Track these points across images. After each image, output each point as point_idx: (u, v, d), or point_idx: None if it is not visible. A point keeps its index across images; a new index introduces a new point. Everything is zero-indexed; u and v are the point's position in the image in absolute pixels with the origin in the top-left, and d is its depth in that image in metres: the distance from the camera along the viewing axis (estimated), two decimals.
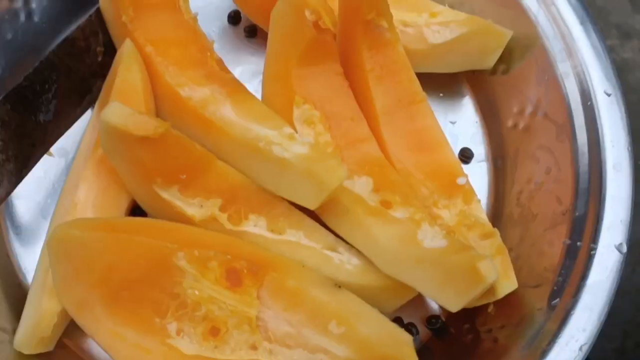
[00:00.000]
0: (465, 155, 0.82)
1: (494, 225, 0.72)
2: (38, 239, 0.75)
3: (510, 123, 0.80)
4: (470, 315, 0.71)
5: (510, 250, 0.71)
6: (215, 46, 0.80)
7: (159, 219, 0.69)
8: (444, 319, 0.73)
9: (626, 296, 0.92)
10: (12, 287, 0.72)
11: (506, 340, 0.66)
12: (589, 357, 0.86)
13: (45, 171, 0.77)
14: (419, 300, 0.73)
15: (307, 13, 0.71)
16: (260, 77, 0.80)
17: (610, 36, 1.14)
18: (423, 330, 0.74)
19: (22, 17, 0.77)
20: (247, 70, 0.84)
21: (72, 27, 0.76)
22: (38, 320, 0.65)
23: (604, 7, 1.15)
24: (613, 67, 0.72)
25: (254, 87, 0.81)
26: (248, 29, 0.87)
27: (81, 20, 0.76)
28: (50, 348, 0.67)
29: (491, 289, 0.66)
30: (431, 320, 0.73)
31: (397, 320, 0.72)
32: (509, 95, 0.81)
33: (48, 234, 0.71)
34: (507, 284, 0.67)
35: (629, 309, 0.92)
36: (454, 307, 0.63)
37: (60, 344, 0.69)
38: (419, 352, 0.63)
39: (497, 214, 0.78)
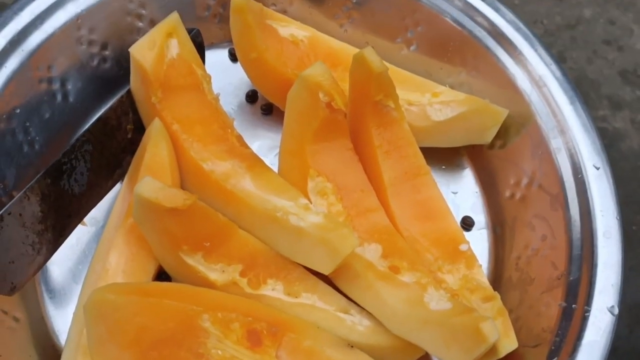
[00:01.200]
0: (467, 224, 0.85)
1: (494, 288, 0.76)
2: (70, 303, 0.78)
3: (507, 193, 0.84)
4: None
5: (510, 311, 0.74)
6: (235, 123, 0.84)
7: (184, 284, 0.73)
8: None
9: (625, 356, 0.95)
10: (46, 348, 0.75)
11: None
12: None
13: (77, 239, 0.81)
14: (426, 357, 0.76)
15: (320, 95, 0.75)
16: (276, 151, 0.85)
17: (602, 107, 1.18)
18: None
19: (59, 98, 0.83)
20: (264, 145, 0.88)
21: (105, 107, 0.81)
22: None
23: (595, 80, 1.20)
24: (601, 142, 0.77)
25: (271, 160, 0.85)
26: (264, 107, 0.91)
27: (113, 100, 0.81)
28: None
29: (493, 349, 0.70)
30: None
31: None
32: (506, 168, 0.85)
33: (80, 297, 0.74)
34: (508, 344, 0.70)
35: None
36: None
37: None
38: None
39: (497, 277, 0.82)
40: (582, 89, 1.20)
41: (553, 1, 1.30)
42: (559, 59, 1.19)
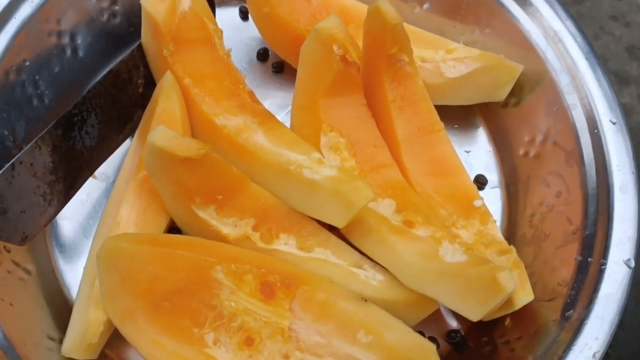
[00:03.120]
0: (480, 182, 0.85)
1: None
2: (80, 257, 0.79)
3: (521, 151, 0.84)
4: (488, 328, 0.74)
5: (525, 269, 0.74)
6: (246, 80, 0.84)
7: (196, 237, 0.72)
8: (463, 333, 0.76)
9: (631, 329, 0.94)
10: (57, 301, 0.75)
11: (523, 350, 0.69)
12: None
13: (87, 194, 0.81)
14: (438, 315, 0.77)
15: (334, 47, 0.75)
16: (287, 110, 0.86)
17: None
18: (443, 344, 0.76)
19: (68, 52, 0.83)
20: (275, 103, 0.88)
21: (114, 62, 0.81)
22: (85, 328, 0.68)
23: (602, 55, 1.17)
24: (616, 97, 0.77)
25: (281, 118, 0.85)
26: (276, 65, 0.91)
27: (123, 55, 0.80)
28: (95, 356, 0.70)
29: (509, 301, 0.70)
30: (451, 334, 0.76)
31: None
32: (520, 126, 0.85)
33: (91, 251, 0.75)
34: (524, 296, 0.71)
35: (634, 342, 0.94)
36: (475, 316, 0.66)
37: (102, 355, 0.72)
38: None
39: (511, 235, 0.82)
40: None
41: None
42: None
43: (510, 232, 0.82)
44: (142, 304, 0.66)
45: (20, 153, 0.68)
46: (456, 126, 0.89)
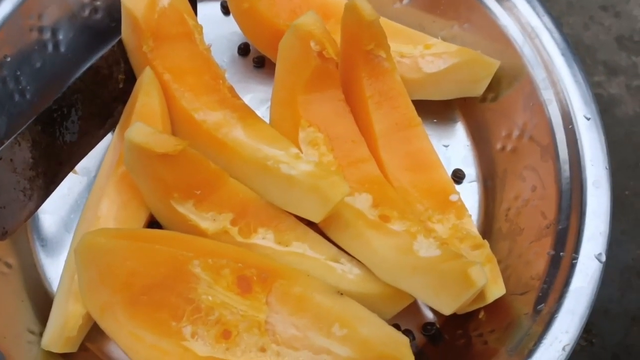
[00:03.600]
0: (458, 176, 0.86)
1: (484, 239, 0.77)
2: (62, 251, 0.79)
3: (499, 146, 0.85)
4: (462, 321, 0.75)
5: (499, 261, 0.76)
6: (227, 76, 0.84)
7: (175, 231, 0.74)
8: (438, 326, 0.77)
9: (616, 319, 0.96)
10: (38, 295, 0.76)
11: (495, 343, 0.70)
12: None
13: (69, 189, 0.82)
14: (414, 308, 0.78)
15: (312, 44, 0.76)
16: (267, 105, 0.86)
17: (598, 72, 1.18)
18: (419, 337, 0.78)
19: (50, 47, 0.84)
20: (256, 98, 0.89)
21: (96, 57, 0.81)
22: (65, 322, 0.69)
23: (591, 45, 1.20)
24: (591, 93, 0.78)
25: (262, 113, 0.86)
26: (256, 60, 0.92)
27: (104, 50, 0.81)
28: (74, 349, 0.71)
29: (481, 295, 0.71)
30: (426, 327, 0.77)
31: (395, 327, 0.75)
32: (498, 120, 0.86)
33: (72, 245, 0.76)
34: (496, 290, 0.72)
35: (619, 332, 0.96)
36: (448, 310, 0.68)
37: (82, 347, 0.72)
38: (415, 357, 0.66)
39: (487, 229, 0.83)
40: (578, 54, 1.19)
41: None
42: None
43: (487, 226, 0.83)
44: (121, 298, 0.67)
45: (0, 149, 0.69)
46: (435, 120, 0.90)
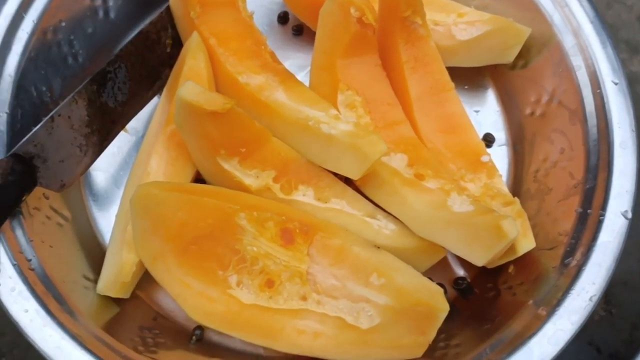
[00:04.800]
0: (488, 140, 0.89)
1: None
2: (112, 205, 0.83)
3: (528, 111, 0.88)
4: (493, 275, 0.78)
5: (528, 219, 0.78)
6: (267, 41, 0.87)
7: (221, 187, 0.76)
8: (469, 280, 0.80)
9: (635, 290, 0.98)
10: (91, 245, 0.80)
11: (524, 295, 0.73)
12: (598, 348, 0.92)
13: (118, 147, 0.86)
14: (446, 264, 0.82)
15: (352, 10, 0.78)
16: (306, 70, 0.89)
17: (620, 50, 1.17)
18: (450, 291, 0.81)
19: (101, 14, 0.87)
20: (294, 64, 0.91)
21: (146, 22, 0.85)
22: (119, 268, 0.73)
23: (613, 24, 1.19)
24: (618, 58, 0.80)
25: (301, 78, 0.89)
26: (295, 28, 0.95)
27: (153, 16, 0.84)
28: (127, 295, 0.75)
29: (512, 248, 0.74)
30: (458, 281, 0.80)
31: None
32: (527, 86, 0.88)
33: (122, 199, 0.80)
34: (526, 243, 0.74)
35: (638, 303, 0.97)
36: (480, 261, 0.70)
37: (133, 295, 0.77)
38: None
39: (516, 190, 0.85)
40: None
41: None
42: None
43: (516, 187, 0.86)
44: (172, 247, 0.70)
45: (59, 106, 0.73)
46: (466, 87, 0.93)
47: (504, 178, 0.88)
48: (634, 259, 1.00)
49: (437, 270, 0.79)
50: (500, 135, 0.90)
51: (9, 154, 0.69)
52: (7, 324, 0.88)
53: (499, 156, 0.89)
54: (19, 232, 0.70)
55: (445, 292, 0.78)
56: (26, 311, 0.66)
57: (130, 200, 0.69)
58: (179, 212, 0.70)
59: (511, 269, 0.77)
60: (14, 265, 0.68)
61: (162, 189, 0.70)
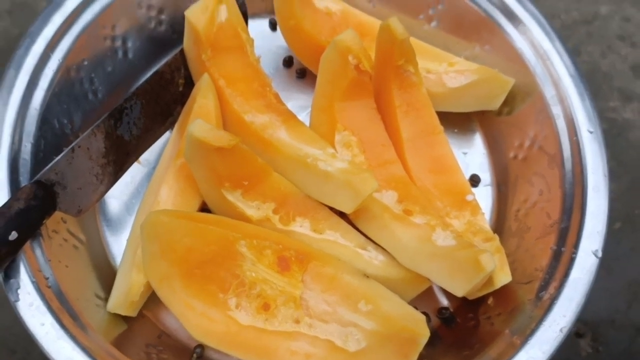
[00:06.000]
0: (475, 180, 0.93)
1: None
2: (124, 231, 0.87)
3: (511, 154, 0.93)
4: (473, 306, 0.82)
5: (508, 255, 0.82)
6: (272, 84, 0.92)
7: (225, 217, 0.80)
8: (452, 310, 0.84)
9: (621, 329, 1.01)
10: (103, 267, 0.84)
11: (501, 325, 0.77)
12: None
13: (132, 177, 0.90)
14: (431, 294, 0.85)
15: (350, 58, 0.83)
16: (307, 111, 0.93)
17: (613, 98, 1.22)
18: (434, 320, 0.84)
19: (120, 54, 0.92)
20: (297, 105, 0.96)
21: (160, 64, 0.90)
22: (129, 288, 0.77)
23: (608, 73, 1.24)
24: (594, 109, 0.85)
25: (302, 118, 0.93)
26: (299, 71, 0.99)
27: (168, 57, 0.89)
28: (135, 314, 0.79)
29: (490, 281, 0.78)
30: (441, 311, 0.84)
31: None
32: (512, 132, 0.93)
33: (133, 225, 0.84)
34: (503, 277, 0.78)
35: (625, 341, 1.01)
36: (460, 291, 0.74)
37: (140, 314, 0.80)
38: (430, 337, 0.72)
39: (499, 228, 0.89)
40: (595, 81, 1.24)
41: None
42: (574, 52, 1.25)
43: (499, 225, 0.90)
44: (178, 271, 0.74)
45: (79, 138, 0.77)
46: (456, 130, 0.97)
47: (489, 216, 0.92)
48: (621, 299, 1.05)
49: (423, 300, 0.83)
50: (486, 176, 0.95)
51: (33, 180, 0.74)
52: (17, 341, 0.94)
53: (485, 195, 0.93)
54: (38, 252, 0.74)
55: (429, 320, 0.83)
56: (42, 325, 0.70)
57: (141, 226, 0.72)
58: (185, 238, 0.73)
59: (490, 300, 0.81)
60: (32, 282, 0.72)
61: (170, 217, 0.73)
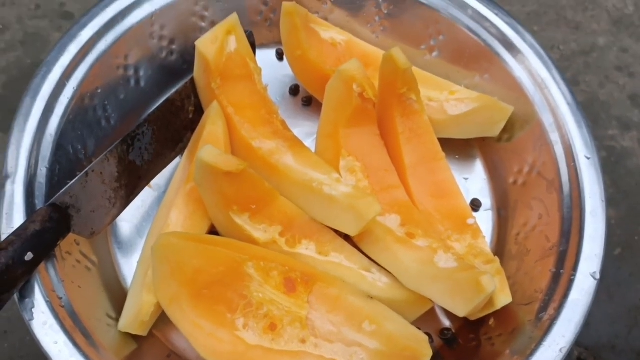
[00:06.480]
0: (475, 205, 0.95)
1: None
2: (135, 253, 0.89)
3: (511, 180, 0.94)
4: (475, 327, 0.84)
5: (508, 278, 0.83)
6: (279, 111, 0.94)
7: (233, 239, 0.81)
8: (454, 331, 0.85)
9: (622, 354, 1.03)
10: (114, 288, 0.86)
11: (502, 346, 0.78)
12: None
13: (142, 201, 0.92)
14: (433, 315, 0.87)
15: (354, 86, 0.85)
16: (313, 138, 0.96)
17: (612, 127, 1.25)
18: (437, 340, 0.85)
19: (132, 82, 0.95)
20: (303, 132, 0.97)
21: (171, 91, 0.92)
22: (139, 308, 0.78)
23: (606, 102, 1.27)
24: (591, 136, 0.87)
25: (308, 144, 0.94)
26: (305, 100, 1.01)
27: (179, 86, 0.91)
28: (145, 333, 0.80)
29: (491, 302, 0.79)
30: (444, 332, 0.85)
31: None
32: (511, 158, 0.94)
33: (144, 248, 0.85)
34: (504, 298, 0.80)
35: None
36: (462, 312, 0.76)
37: (150, 334, 0.82)
38: (433, 358, 0.74)
39: (499, 251, 0.91)
40: (593, 110, 1.27)
41: (570, 29, 1.37)
42: (573, 82, 1.28)
43: (499, 248, 0.92)
44: (187, 291, 0.75)
45: (93, 163, 0.79)
46: (457, 157, 0.99)
47: (489, 240, 0.93)
48: (621, 324, 1.07)
49: (426, 321, 0.84)
50: (487, 201, 0.96)
51: (48, 203, 0.76)
52: None
53: (485, 220, 0.95)
54: (52, 273, 0.76)
55: (432, 341, 0.84)
56: (56, 343, 0.72)
57: (152, 248, 0.74)
58: (195, 260, 0.75)
59: (492, 321, 0.82)
60: (46, 301, 0.73)
61: (180, 239, 0.75)
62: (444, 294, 0.77)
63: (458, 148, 0.99)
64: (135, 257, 0.89)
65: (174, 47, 0.99)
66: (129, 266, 0.89)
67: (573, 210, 0.84)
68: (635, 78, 1.32)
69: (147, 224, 0.92)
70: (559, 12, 1.41)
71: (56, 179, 0.83)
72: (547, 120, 0.90)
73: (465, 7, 0.98)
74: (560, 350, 0.75)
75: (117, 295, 0.85)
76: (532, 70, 0.93)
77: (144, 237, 0.91)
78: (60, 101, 0.86)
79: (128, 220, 0.92)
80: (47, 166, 0.82)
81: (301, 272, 0.79)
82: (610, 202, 1.13)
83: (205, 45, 0.90)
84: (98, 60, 0.90)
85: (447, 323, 0.88)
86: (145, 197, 0.93)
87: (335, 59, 0.98)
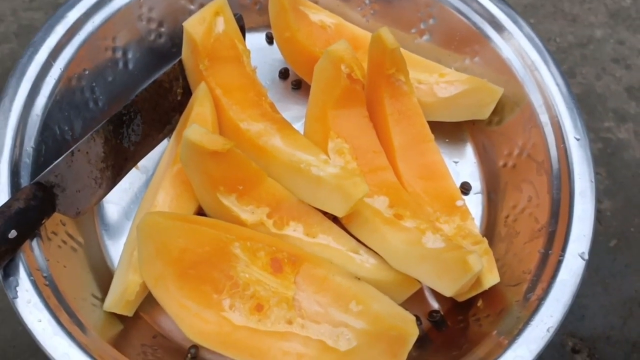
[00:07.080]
0: (465, 188, 0.95)
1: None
2: (121, 235, 0.89)
3: (501, 163, 0.94)
4: (463, 309, 0.84)
5: (497, 260, 0.83)
6: (268, 94, 0.94)
7: (219, 220, 0.81)
8: (442, 313, 0.85)
9: (617, 345, 1.02)
10: (100, 269, 0.85)
11: (489, 326, 0.78)
12: None
13: (130, 183, 0.92)
14: (422, 298, 0.87)
15: (342, 67, 0.85)
16: (302, 121, 0.95)
17: (608, 119, 1.24)
18: (425, 323, 0.85)
19: (120, 64, 0.95)
20: (292, 115, 0.97)
21: (160, 73, 0.91)
22: (125, 288, 0.78)
23: (602, 94, 1.27)
24: (581, 117, 0.87)
25: (297, 128, 0.93)
26: (294, 83, 1.01)
27: (167, 68, 0.91)
28: (131, 313, 0.80)
29: (478, 282, 0.79)
30: (432, 314, 0.85)
31: None
32: (501, 141, 0.95)
33: (131, 230, 0.85)
34: (491, 278, 0.80)
35: (620, 357, 1.02)
36: (449, 292, 0.76)
37: (136, 315, 0.82)
38: (421, 340, 0.75)
39: (489, 233, 0.91)
40: (589, 102, 1.26)
41: (567, 21, 1.37)
42: (570, 74, 1.28)
43: (489, 231, 0.91)
44: (172, 271, 0.75)
45: (79, 143, 0.79)
46: (447, 140, 0.99)
47: (479, 223, 0.93)
48: (616, 315, 1.06)
49: (414, 303, 0.84)
50: (477, 184, 0.96)
51: (32, 182, 0.76)
52: (18, 353, 0.95)
53: (475, 203, 0.95)
54: (37, 252, 0.76)
55: (420, 323, 0.85)
56: (39, 321, 0.71)
57: (137, 227, 0.74)
58: (180, 239, 0.75)
59: (480, 303, 0.82)
60: (30, 280, 0.73)
61: (166, 218, 0.75)
62: (431, 274, 0.77)
63: (448, 132, 0.99)
64: (123, 239, 0.89)
65: (162, 29, 0.99)
66: (115, 248, 0.89)
67: (562, 191, 0.84)
68: (631, 70, 1.31)
69: (134, 206, 0.92)
70: (556, 4, 1.41)
71: (42, 159, 0.82)
72: (536, 101, 0.90)
73: None
74: (548, 330, 0.75)
75: (104, 277, 0.85)
76: (522, 52, 0.93)
77: (131, 219, 0.91)
78: (47, 82, 0.86)
79: (116, 202, 0.92)
80: (33, 146, 0.82)
81: (288, 252, 0.79)
82: (606, 193, 1.13)
83: (193, 26, 0.89)
84: (85, 41, 0.90)
85: (435, 305, 0.87)
86: (132, 180, 0.93)
87: (324, 42, 0.98)
